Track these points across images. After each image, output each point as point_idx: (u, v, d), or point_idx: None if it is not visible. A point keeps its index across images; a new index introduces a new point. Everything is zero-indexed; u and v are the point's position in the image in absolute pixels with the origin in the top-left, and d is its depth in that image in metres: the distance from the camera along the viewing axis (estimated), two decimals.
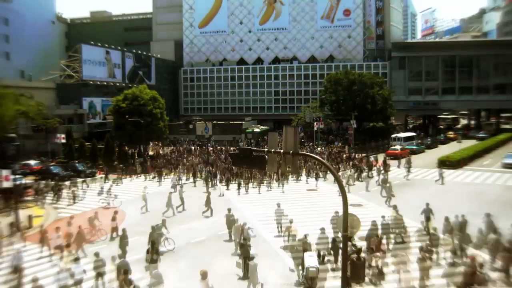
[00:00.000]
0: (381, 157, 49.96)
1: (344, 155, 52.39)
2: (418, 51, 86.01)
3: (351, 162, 47.65)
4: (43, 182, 39.26)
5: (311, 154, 15.13)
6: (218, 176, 41.55)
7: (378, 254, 18.19)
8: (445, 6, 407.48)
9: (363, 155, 52.60)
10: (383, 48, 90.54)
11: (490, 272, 16.55)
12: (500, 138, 66.86)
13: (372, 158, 49.20)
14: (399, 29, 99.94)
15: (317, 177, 39.19)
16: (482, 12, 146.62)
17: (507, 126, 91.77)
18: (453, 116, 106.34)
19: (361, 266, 15.67)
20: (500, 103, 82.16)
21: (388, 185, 31.91)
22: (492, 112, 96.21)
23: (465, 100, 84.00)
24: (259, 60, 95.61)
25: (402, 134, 66.10)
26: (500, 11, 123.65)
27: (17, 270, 17.57)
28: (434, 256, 18.65)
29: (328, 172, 36.89)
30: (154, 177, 44.26)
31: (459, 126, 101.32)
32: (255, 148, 14.04)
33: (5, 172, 27.63)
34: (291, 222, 21.65)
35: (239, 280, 18.04)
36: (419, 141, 66.20)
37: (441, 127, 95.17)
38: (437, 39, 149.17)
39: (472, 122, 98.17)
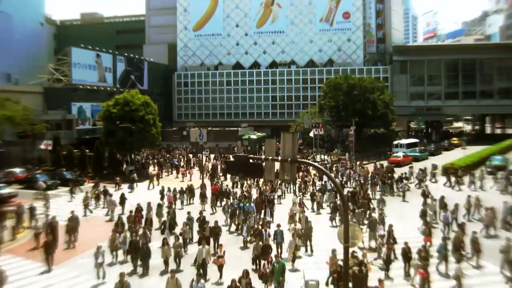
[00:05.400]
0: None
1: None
2: (420, 55, 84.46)
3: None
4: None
5: (311, 162, 15.66)
6: None
7: None
8: (447, 8, 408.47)
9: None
10: (384, 51, 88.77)
11: None
12: (506, 144, 65.11)
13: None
14: (400, 32, 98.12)
15: None
16: (485, 14, 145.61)
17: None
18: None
19: (363, 278, 15.63)
20: (505, 108, 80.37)
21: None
22: (497, 117, 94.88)
23: (468, 105, 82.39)
24: (255, 65, 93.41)
25: (405, 141, 64.86)
26: (502, 13, 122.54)
27: None
28: None
29: None
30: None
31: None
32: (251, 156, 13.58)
33: None
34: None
35: None
36: (422, 147, 64.58)
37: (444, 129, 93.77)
38: (439, 42, 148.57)
39: (477, 127, 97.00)
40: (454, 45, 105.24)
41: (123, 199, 32.54)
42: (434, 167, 44.29)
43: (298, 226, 23.27)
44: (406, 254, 18.71)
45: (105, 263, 19.91)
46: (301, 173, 41.65)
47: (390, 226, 22.12)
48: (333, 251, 18.41)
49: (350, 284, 13.36)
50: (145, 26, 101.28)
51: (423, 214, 26.27)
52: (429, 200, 30.32)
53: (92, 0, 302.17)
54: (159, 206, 29.16)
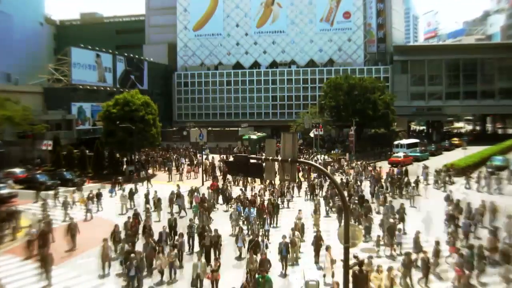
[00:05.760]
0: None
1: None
2: (420, 55, 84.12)
3: None
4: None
5: (311, 162, 15.13)
6: None
7: None
8: (448, 8, 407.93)
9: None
10: (385, 51, 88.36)
11: None
12: (506, 144, 64.87)
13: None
14: (400, 32, 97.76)
15: None
16: (486, 14, 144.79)
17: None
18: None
19: (363, 279, 15.67)
20: (506, 108, 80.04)
21: None
22: (498, 118, 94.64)
23: (469, 105, 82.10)
24: (256, 64, 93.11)
25: (405, 141, 64.67)
26: (504, 13, 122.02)
27: None
28: None
29: None
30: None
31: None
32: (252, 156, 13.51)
33: None
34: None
35: None
36: (423, 148, 64.38)
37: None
38: (440, 42, 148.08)
39: (478, 127, 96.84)
40: (455, 45, 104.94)
41: (123, 200, 32.60)
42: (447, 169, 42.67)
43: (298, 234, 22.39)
44: (426, 264, 18.13)
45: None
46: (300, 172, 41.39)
47: (390, 227, 22.02)
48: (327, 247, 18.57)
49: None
50: (145, 26, 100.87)
51: (450, 219, 24.33)
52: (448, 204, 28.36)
53: (92, 0, 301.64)
54: (157, 207, 29.45)
